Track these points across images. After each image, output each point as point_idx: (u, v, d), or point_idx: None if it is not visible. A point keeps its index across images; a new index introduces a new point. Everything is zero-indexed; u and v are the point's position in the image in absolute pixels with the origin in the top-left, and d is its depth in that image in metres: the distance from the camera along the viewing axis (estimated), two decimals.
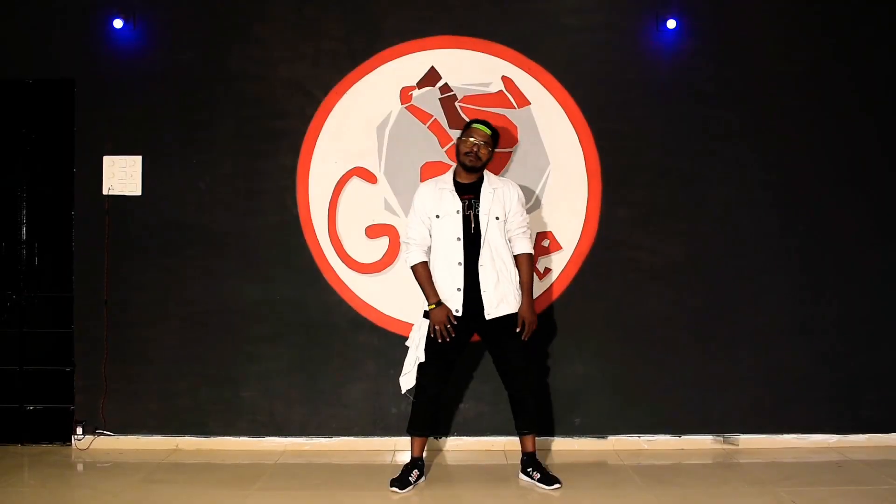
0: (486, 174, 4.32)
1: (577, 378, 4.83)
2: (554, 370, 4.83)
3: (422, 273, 4.23)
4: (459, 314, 4.17)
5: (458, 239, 4.18)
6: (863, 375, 4.87)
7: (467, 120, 4.74)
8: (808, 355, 4.86)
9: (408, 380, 4.32)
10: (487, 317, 4.17)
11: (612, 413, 4.84)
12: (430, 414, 4.32)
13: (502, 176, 4.70)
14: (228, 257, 4.86)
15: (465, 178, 4.28)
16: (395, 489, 4.16)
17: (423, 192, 4.29)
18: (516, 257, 4.31)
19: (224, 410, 4.86)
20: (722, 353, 4.85)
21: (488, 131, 4.25)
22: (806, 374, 4.85)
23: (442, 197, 4.24)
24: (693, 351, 4.84)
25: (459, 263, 4.18)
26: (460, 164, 4.27)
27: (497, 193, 4.26)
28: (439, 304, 4.16)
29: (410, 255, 4.27)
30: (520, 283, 4.28)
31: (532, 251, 4.36)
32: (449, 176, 4.33)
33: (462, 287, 4.17)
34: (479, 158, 4.22)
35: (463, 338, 4.26)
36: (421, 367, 4.25)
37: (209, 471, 4.49)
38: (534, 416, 4.34)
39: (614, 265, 4.84)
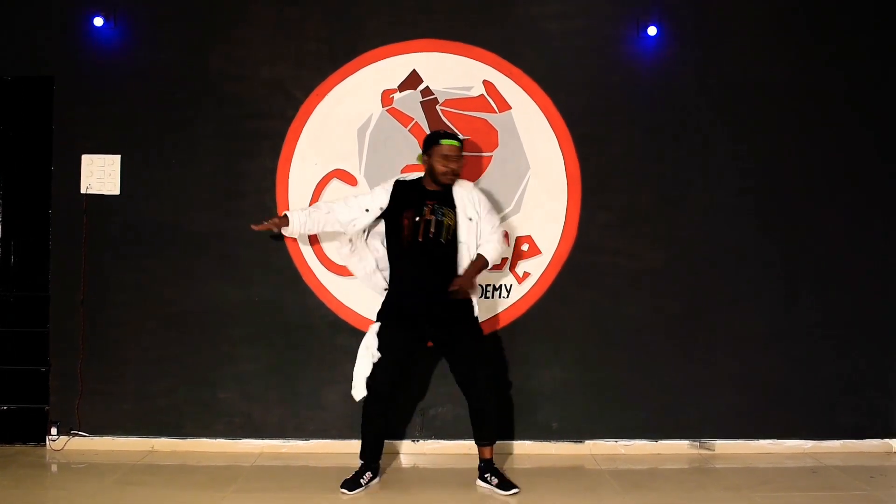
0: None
1: (554, 382, 4.84)
2: (531, 374, 4.84)
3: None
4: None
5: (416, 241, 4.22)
6: (839, 381, 4.91)
7: (449, 124, 4.78)
8: (784, 361, 4.89)
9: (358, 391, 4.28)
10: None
11: (590, 417, 4.85)
12: (380, 441, 4.40)
13: (480, 181, 4.75)
14: (207, 258, 4.84)
15: (436, 187, 4.29)
16: (344, 491, 4.17)
17: (378, 192, 4.36)
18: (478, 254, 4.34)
19: (201, 412, 4.84)
20: (699, 358, 4.87)
21: (458, 144, 4.25)
22: (782, 379, 4.89)
23: (409, 200, 4.26)
24: (670, 356, 4.87)
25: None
26: (436, 181, 4.27)
27: (470, 196, 4.32)
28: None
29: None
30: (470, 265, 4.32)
31: (490, 259, 4.35)
32: (416, 181, 4.35)
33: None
34: (456, 175, 4.26)
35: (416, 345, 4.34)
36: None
37: (185, 473, 4.46)
38: (494, 427, 4.34)
39: (593, 270, 4.86)
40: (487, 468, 4.28)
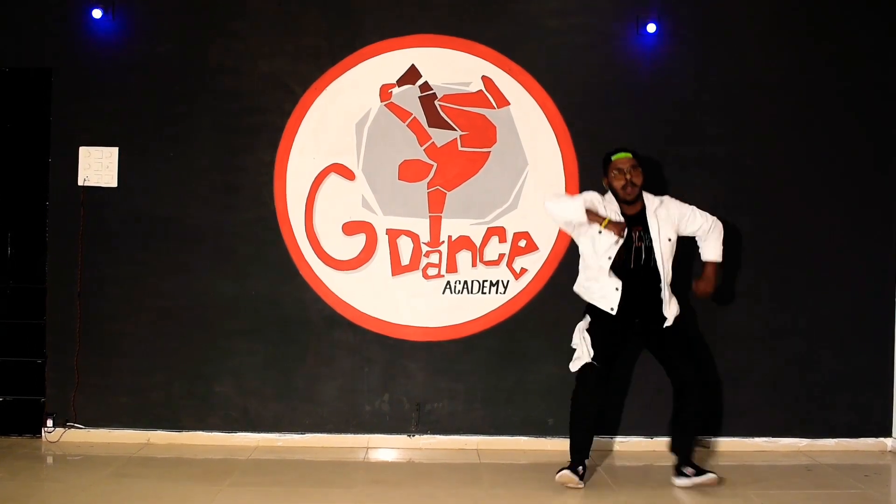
0: (645, 196, 4.30)
1: (550, 378, 4.83)
2: (528, 370, 4.84)
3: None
4: (614, 312, 4.18)
5: (609, 258, 4.18)
6: (833, 380, 4.91)
7: (447, 119, 4.79)
8: (779, 359, 4.89)
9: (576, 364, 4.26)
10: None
11: None
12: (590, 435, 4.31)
13: (478, 176, 4.77)
14: (204, 252, 4.84)
15: (630, 210, 4.25)
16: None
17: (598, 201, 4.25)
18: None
19: (196, 405, 4.84)
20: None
21: (630, 155, 4.22)
22: (777, 378, 4.89)
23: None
24: None
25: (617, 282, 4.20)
26: (620, 200, 4.24)
27: (660, 215, 4.26)
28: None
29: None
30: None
31: (719, 259, 4.39)
32: (615, 205, 4.25)
33: (620, 287, 4.18)
34: (635, 185, 4.21)
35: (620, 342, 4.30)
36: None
37: (180, 465, 4.46)
38: (692, 436, 4.32)
39: None
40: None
